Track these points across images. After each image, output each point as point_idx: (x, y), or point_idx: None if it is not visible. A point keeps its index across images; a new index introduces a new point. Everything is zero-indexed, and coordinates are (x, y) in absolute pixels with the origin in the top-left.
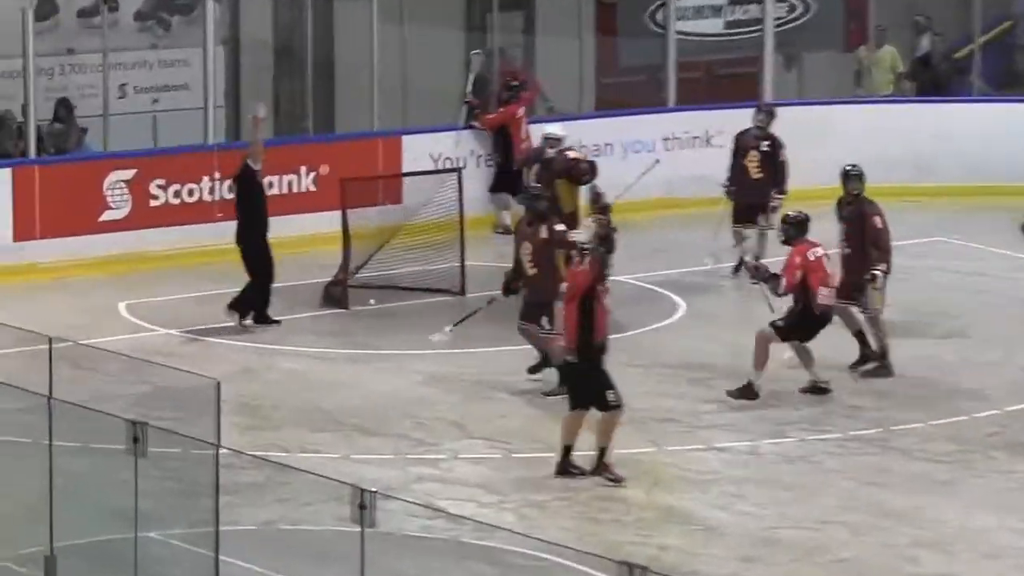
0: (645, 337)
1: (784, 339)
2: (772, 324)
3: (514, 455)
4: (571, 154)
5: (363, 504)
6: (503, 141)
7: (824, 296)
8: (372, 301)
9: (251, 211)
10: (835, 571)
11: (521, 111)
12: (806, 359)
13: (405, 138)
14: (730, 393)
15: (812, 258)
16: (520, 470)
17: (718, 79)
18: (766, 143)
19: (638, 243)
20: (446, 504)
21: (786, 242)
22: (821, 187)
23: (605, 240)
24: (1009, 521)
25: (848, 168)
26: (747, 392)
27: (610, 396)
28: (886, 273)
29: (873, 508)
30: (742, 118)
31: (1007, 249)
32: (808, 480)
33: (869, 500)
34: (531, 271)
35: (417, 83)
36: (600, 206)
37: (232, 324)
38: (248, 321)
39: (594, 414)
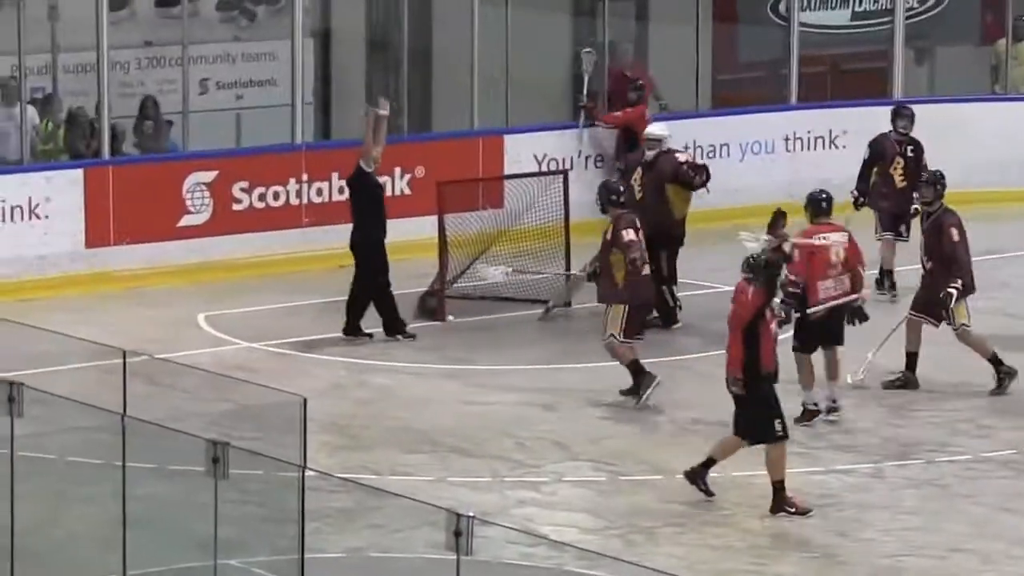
0: None
1: (809, 352)
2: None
3: (621, 477)
4: (680, 156)
5: (459, 530)
6: (626, 143)
7: (824, 294)
8: (451, 317)
9: (363, 216)
10: None
11: (648, 112)
12: (804, 376)
13: (507, 137)
14: (797, 421)
15: (819, 242)
16: (627, 494)
17: (844, 74)
18: (911, 148)
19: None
20: (548, 530)
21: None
22: (954, 191)
23: (771, 264)
24: None
25: (923, 175)
26: (808, 416)
27: (776, 427)
28: (960, 290)
29: (1006, 535)
30: (870, 116)
31: None
32: (935, 505)
33: (1001, 527)
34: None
35: (521, 77)
36: (779, 230)
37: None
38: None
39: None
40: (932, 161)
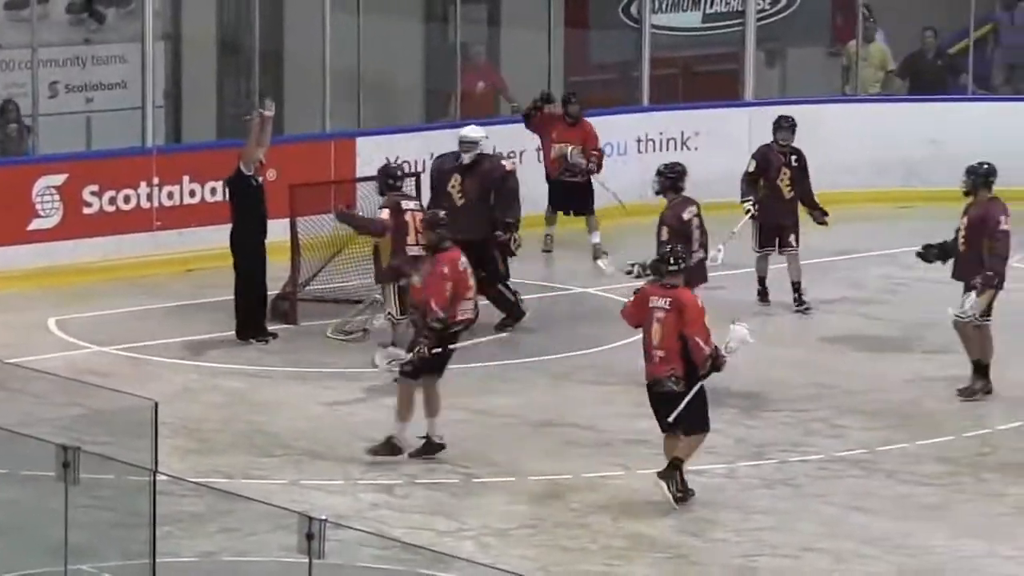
0: (617, 353)
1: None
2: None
3: (474, 480)
4: (507, 165)
5: (311, 533)
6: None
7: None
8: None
9: (242, 217)
10: None
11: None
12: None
13: (359, 140)
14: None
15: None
16: (480, 496)
17: (696, 76)
18: (795, 158)
19: (610, 253)
20: (401, 533)
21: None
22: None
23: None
24: (1000, 548)
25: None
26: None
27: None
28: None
29: (857, 534)
30: (722, 118)
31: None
32: (788, 505)
33: (853, 526)
34: None
35: (373, 81)
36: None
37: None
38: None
39: None
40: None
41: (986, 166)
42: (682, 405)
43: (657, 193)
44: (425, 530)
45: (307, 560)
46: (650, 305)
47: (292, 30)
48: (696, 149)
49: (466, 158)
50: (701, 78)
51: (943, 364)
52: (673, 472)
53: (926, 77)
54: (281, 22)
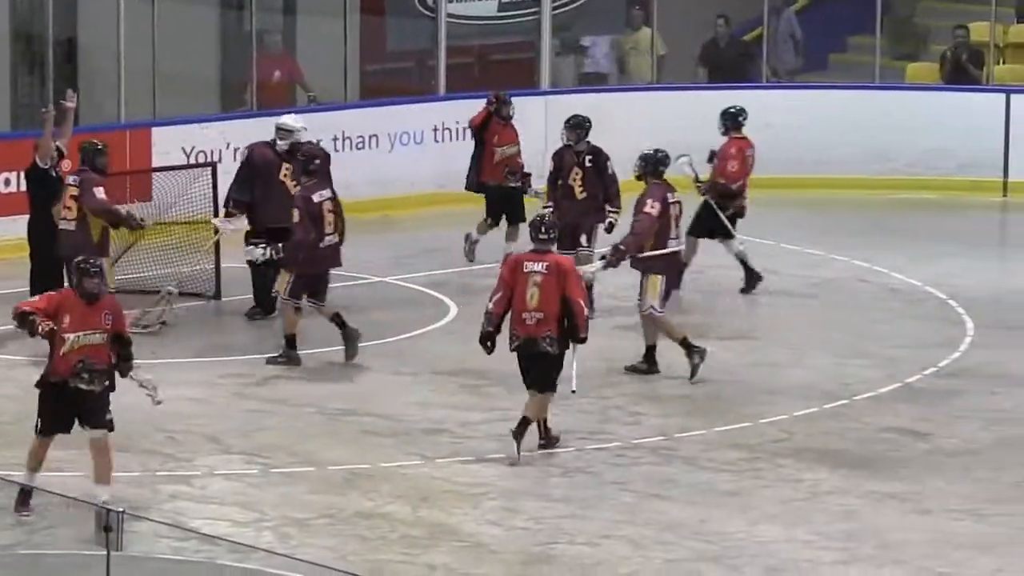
0: (413, 342)
1: None
2: None
3: (273, 470)
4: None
5: (109, 526)
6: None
7: None
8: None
9: (39, 209)
10: None
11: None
12: None
13: (155, 130)
14: None
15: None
16: (279, 486)
17: (492, 65)
18: (589, 157)
19: (406, 242)
20: (200, 524)
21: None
22: None
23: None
24: (796, 533)
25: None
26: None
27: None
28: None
29: (655, 521)
30: (517, 106)
31: (798, 245)
32: (587, 493)
33: (651, 512)
34: None
35: (168, 70)
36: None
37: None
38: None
39: None
40: None
41: (660, 153)
42: (574, 371)
43: (638, 178)
44: (223, 521)
45: (105, 552)
46: (524, 270)
47: (86, 19)
48: None
49: (284, 145)
50: (497, 66)
51: (739, 351)
52: (523, 431)
53: (722, 65)
54: (75, 11)
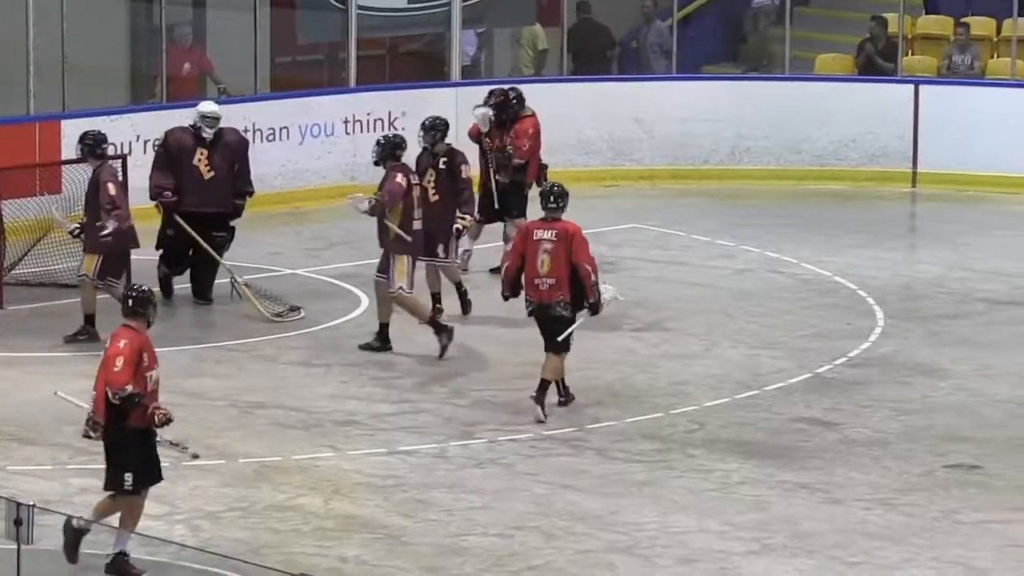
0: (325, 334)
1: None
2: None
3: (185, 463)
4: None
5: (19, 519)
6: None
7: None
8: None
9: None
10: None
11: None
12: None
13: (64, 122)
14: None
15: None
16: (191, 479)
17: (403, 57)
18: (443, 160)
19: (316, 234)
20: (111, 518)
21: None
22: None
23: None
24: (708, 523)
25: None
26: None
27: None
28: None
29: (567, 512)
30: (428, 99)
31: (709, 236)
32: (499, 484)
33: (563, 504)
34: None
35: (77, 62)
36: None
37: None
38: None
39: None
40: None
41: (397, 138)
42: (572, 327)
43: (376, 163)
44: None
45: (15, 546)
46: (534, 238)
47: None
48: (403, 129)
49: (210, 133)
50: (408, 58)
51: (651, 342)
52: (543, 394)
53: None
54: None
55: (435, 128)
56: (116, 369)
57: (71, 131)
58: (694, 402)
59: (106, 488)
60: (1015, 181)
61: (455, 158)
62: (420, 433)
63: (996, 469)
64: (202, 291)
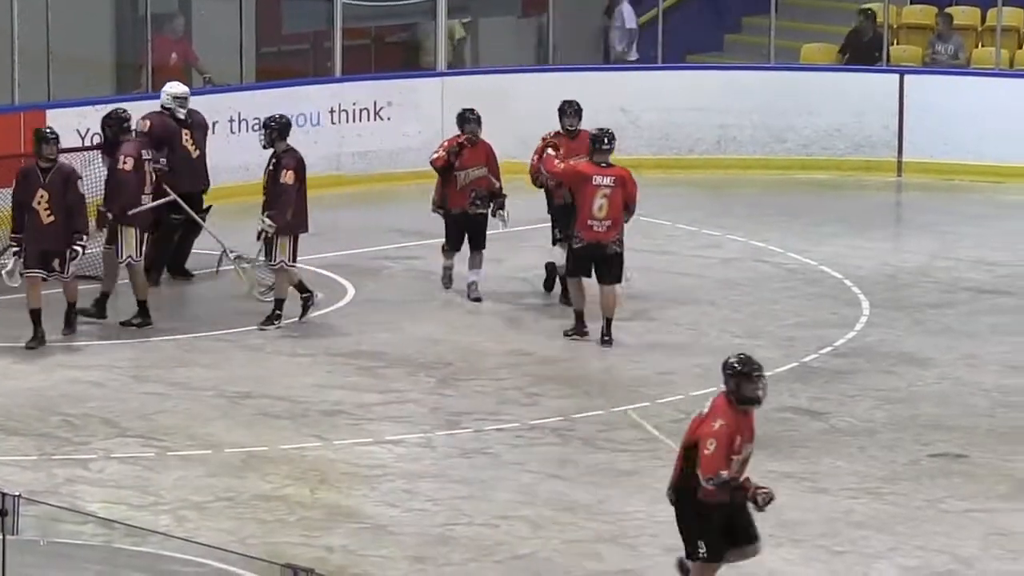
0: (311, 324)
1: None
2: None
3: (170, 453)
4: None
5: (5, 510)
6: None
7: None
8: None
9: None
10: (513, 569)
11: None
12: None
13: (49, 112)
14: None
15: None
16: (177, 469)
17: (388, 46)
18: (273, 161)
19: None
20: (97, 507)
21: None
22: (506, 161)
23: None
24: None
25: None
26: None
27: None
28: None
29: (554, 502)
30: (414, 88)
31: (695, 226)
32: (485, 474)
33: (550, 493)
34: None
35: (63, 52)
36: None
37: None
38: None
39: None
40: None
41: (284, 120)
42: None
43: (265, 147)
44: (121, 504)
45: (0, 536)
46: (594, 183)
47: None
48: (389, 119)
49: (182, 113)
50: (393, 48)
51: (637, 331)
52: (609, 328)
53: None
54: None
55: (266, 127)
56: (707, 453)
57: (56, 121)
58: (680, 392)
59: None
60: (1000, 170)
61: (282, 160)
62: (406, 423)
63: (981, 458)
64: (182, 268)
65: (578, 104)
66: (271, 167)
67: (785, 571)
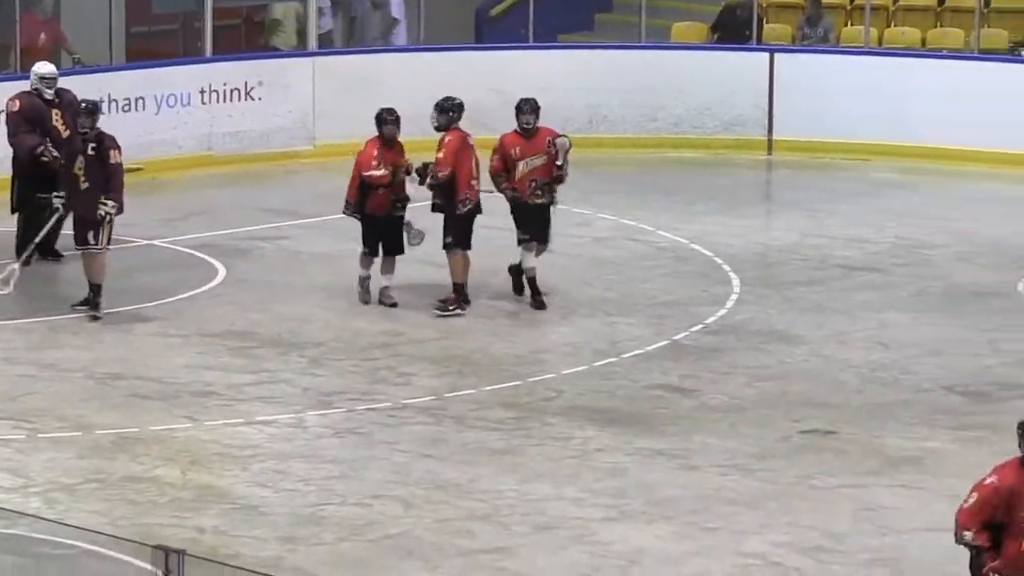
0: (182, 304)
1: None
2: None
3: (40, 435)
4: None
5: None
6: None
7: None
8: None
9: None
10: (385, 548)
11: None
12: None
13: None
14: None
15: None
16: (47, 451)
17: (258, 26)
18: (92, 146)
19: (172, 204)
20: None
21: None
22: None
23: None
24: (566, 491)
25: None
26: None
27: None
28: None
29: (426, 481)
30: (283, 68)
31: (566, 204)
32: (357, 453)
33: (422, 472)
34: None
35: None
36: None
37: None
38: None
39: None
40: (341, 114)
41: (91, 105)
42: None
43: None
44: None
45: None
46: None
47: None
48: (260, 99)
49: (50, 93)
50: (261, 28)
51: (508, 310)
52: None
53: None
54: None
55: (88, 112)
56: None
57: None
58: (552, 370)
59: None
60: (869, 148)
61: (103, 143)
62: (278, 403)
63: (851, 434)
64: (52, 248)
65: (535, 102)
66: (91, 151)
67: (656, 548)
